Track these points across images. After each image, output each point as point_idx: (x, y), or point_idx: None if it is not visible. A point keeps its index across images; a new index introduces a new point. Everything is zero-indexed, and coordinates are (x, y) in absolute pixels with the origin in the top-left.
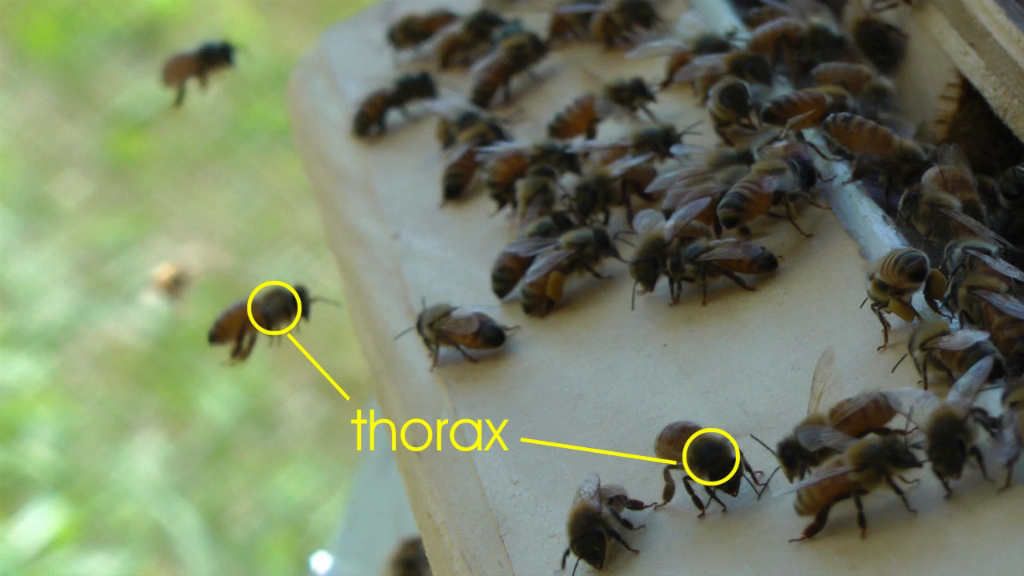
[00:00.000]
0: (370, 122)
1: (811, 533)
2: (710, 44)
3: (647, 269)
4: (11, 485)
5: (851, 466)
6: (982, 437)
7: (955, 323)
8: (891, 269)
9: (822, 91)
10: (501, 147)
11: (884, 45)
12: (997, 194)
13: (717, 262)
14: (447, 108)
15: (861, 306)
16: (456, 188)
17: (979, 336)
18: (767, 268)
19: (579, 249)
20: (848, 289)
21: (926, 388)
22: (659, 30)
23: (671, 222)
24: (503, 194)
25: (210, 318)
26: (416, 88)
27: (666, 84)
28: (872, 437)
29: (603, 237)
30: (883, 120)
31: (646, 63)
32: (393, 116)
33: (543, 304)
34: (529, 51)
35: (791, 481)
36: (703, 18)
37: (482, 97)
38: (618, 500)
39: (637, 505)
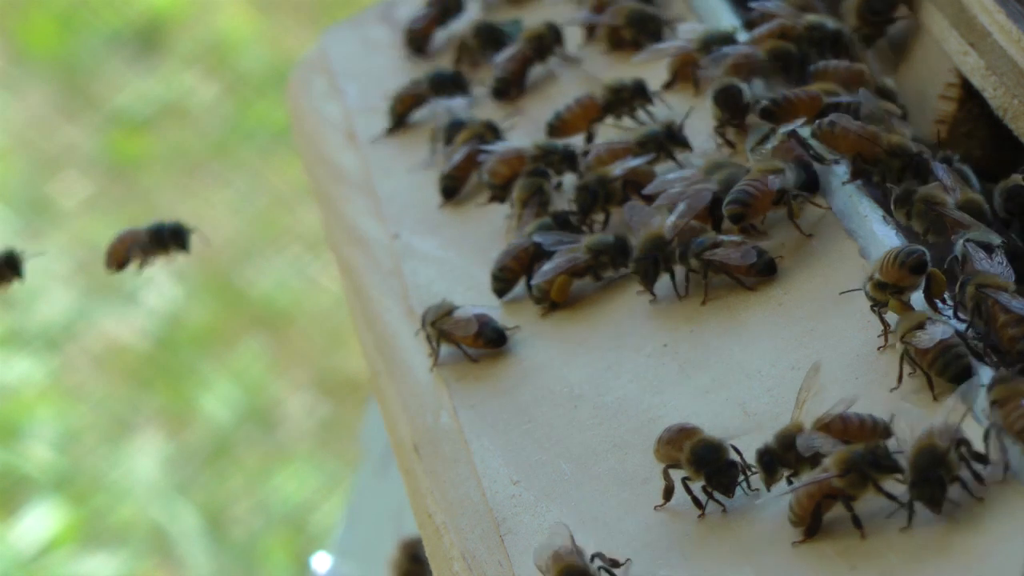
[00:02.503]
0: (403, 117)
1: (811, 533)
2: (716, 39)
3: (647, 267)
4: (11, 485)
5: (835, 471)
6: (964, 472)
7: (950, 317)
8: (891, 265)
9: (818, 89)
10: (501, 147)
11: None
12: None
13: (718, 263)
14: (447, 108)
15: (841, 292)
16: (452, 190)
17: (948, 332)
18: (766, 273)
19: (595, 256)
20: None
21: (900, 381)
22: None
23: (671, 219)
24: (501, 194)
25: (210, 318)
26: (448, 85)
27: (669, 85)
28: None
29: (624, 246)
30: (872, 111)
31: (645, 64)
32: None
33: (547, 303)
34: (549, 41)
35: (768, 489)
36: (702, 19)
37: (504, 86)
38: (599, 556)
39: (615, 563)
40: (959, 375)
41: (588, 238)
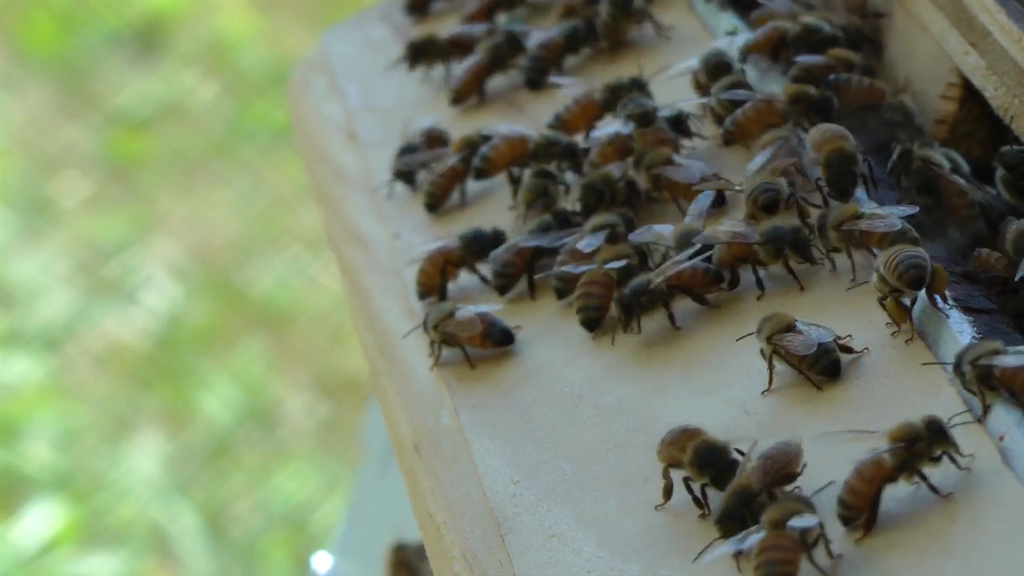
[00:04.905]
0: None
1: (870, 526)
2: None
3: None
4: (11, 485)
5: (891, 443)
6: None
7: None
8: (891, 271)
9: (773, 94)
10: (506, 128)
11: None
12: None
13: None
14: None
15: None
16: (432, 207)
17: (825, 336)
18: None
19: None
20: (849, 289)
21: (771, 384)
22: (663, 35)
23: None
24: (485, 175)
25: (210, 318)
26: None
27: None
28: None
29: (630, 221)
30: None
31: (643, 63)
32: (378, 120)
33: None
34: (583, 34)
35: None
36: (703, 20)
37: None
38: None
39: None
40: (828, 369)
41: (593, 219)
